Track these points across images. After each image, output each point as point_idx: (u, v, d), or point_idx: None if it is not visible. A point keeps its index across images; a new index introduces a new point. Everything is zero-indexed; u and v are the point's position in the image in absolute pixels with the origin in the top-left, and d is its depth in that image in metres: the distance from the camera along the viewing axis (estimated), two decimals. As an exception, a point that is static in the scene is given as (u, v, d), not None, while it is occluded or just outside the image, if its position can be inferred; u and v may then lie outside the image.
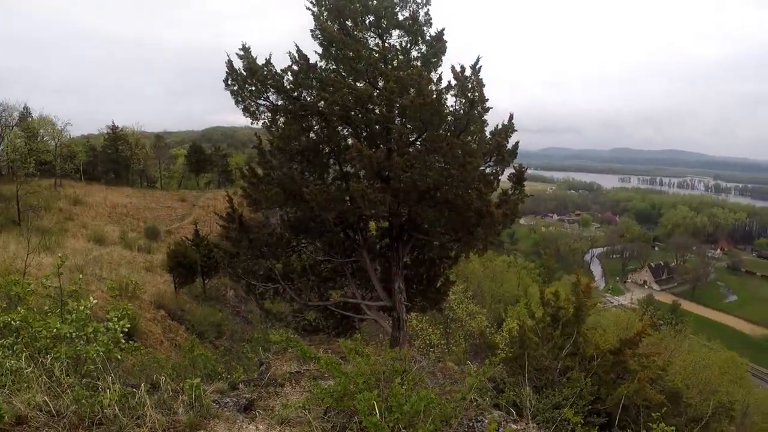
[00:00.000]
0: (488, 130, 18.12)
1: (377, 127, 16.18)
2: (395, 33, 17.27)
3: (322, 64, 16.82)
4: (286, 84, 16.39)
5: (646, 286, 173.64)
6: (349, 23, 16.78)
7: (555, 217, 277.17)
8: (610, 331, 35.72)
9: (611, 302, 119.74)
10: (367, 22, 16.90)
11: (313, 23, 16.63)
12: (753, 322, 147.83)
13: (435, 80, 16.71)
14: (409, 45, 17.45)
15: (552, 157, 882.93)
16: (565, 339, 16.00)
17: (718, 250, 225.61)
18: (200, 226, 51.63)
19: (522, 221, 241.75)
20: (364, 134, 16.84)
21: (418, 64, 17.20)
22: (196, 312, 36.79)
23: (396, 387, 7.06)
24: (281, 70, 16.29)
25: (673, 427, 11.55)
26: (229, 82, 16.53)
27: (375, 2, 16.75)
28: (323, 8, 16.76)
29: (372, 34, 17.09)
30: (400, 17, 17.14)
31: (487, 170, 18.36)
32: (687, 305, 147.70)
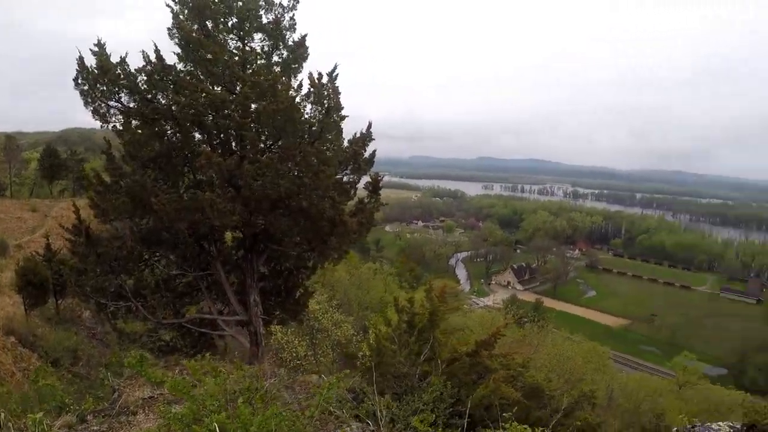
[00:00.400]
0: (347, 138, 17.81)
1: (232, 133, 15.43)
2: (257, 36, 16.61)
3: (180, 65, 15.79)
4: (140, 85, 15.28)
5: (509, 287, 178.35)
6: (210, 24, 15.91)
7: (420, 223, 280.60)
8: (476, 331, 36.33)
9: (477, 303, 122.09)
10: (229, 23, 16.15)
11: (172, 21, 15.65)
12: (611, 314, 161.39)
13: (295, 87, 16.22)
14: (270, 49, 16.81)
15: (419, 165, 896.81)
16: (422, 344, 15.95)
17: (577, 251, 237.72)
18: (52, 239, 48.25)
19: (387, 228, 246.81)
20: (218, 141, 16.00)
21: (278, 69, 16.65)
22: (50, 336, 34.20)
23: (241, 407, 6.61)
24: (135, 69, 15.19)
25: (526, 427, 11.75)
26: (80, 81, 15.26)
27: (239, 3, 16.02)
28: (184, 6, 15.81)
29: (234, 37, 16.34)
30: (264, 20, 16.47)
31: (345, 179, 17.97)
32: (549, 302, 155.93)
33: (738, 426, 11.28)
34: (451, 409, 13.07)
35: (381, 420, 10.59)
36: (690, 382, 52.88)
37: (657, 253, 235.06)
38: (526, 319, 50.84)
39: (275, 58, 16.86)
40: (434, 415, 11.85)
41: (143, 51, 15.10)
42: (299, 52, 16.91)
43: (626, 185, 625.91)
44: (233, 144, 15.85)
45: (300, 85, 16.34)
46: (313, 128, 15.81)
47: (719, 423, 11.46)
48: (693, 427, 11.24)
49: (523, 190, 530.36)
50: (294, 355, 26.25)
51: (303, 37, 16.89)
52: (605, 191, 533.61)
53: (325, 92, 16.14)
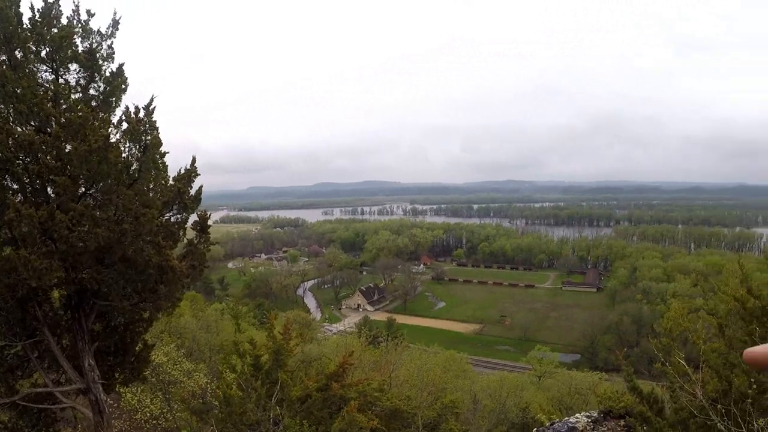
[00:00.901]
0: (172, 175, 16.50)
1: (47, 179, 13.74)
2: (73, 67, 15.03)
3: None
4: None
5: (360, 309, 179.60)
6: (19, 54, 14.15)
7: (263, 256, 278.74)
8: (333, 358, 35.83)
9: (331, 330, 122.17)
10: (42, 53, 14.44)
11: None
12: (463, 321, 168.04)
13: (115, 122, 14.82)
14: (86, 82, 15.27)
15: (256, 196, 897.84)
16: (270, 386, 15.38)
17: (422, 265, 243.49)
18: None
19: (231, 265, 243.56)
20: (31, 189, 14.22)
21: (95, 104, 15.16)
22: None
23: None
24: None
25: None
26: None
27: (54, 30, 14.33)
28: None
29: (47, 68, 14.65)
30: (80, 49, 14.91)
31: (171, 219, 16.64)
32: (402, 319, 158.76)
33: (594, 414, 11.58)
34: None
35: None
36: (548, 372, 55.10)
37: (499, 259, 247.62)
38: (380, 339, 50.89)
39: (92, 92, 15.35)
40: None
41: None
42: (116, 83, 15.47)
43: (463, 198, 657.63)
44: (49, 191, 14.17)
45: (120, 121, 14.96)
46: (132, 168, 14.45)
47: (577, 415, 11.88)
48: (552, 424, 11.30)
49: (363, 212, 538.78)
50: (149, 415, 24.43)
51: (121, 66, 15.50)
52: (443, 206, 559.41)
53: (142, 128, 14.85)
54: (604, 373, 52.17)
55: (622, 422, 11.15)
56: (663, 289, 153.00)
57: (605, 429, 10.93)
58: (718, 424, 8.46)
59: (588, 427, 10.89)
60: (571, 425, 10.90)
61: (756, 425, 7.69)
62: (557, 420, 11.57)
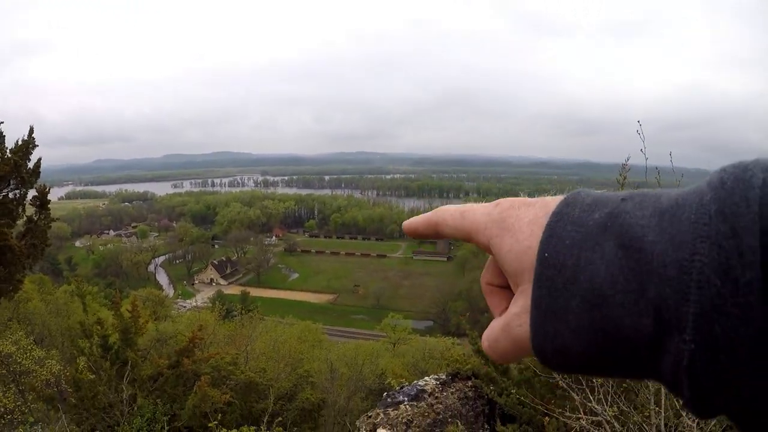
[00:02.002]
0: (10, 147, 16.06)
1: None
2: None
3: None
4: None
5: (213, 284, 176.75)
6: None
7: (112, 233, 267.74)
8: (190, 334, 35.58)
9: (185, 306, 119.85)
10: None
11: None
12: (316, 292, 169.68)
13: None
14: None
15: (103, 170, 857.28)
16: (121, 366, 15.54)
17: (274, 237, 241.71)
18: None
19: (78, 243, 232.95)
20: None
21: None
22: None
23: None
24: None
25: (247, 428, 11.87)
26: None
27: None
28: None
29: None
30: None
31: (9, 195, 16.24)
32: (256, 291, 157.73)
33: (443, 377, 12.02)
34: (168, 427, 12.63)
35: None
36: (402, 339, 56.74)
37: (351, 229, 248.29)
38: (235, 313, 50.75)
39: None
40: None
41: None
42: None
43: (314, 169, 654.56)
44: None
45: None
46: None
47: (426, 378, 12.09)
48: (401, 388, 11.71)
49: (213, 185, 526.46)
50: (2, 409, 23.60)
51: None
52: (295, 177, 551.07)
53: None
54: (456, 338, 53.81)
55: (470, 383, 11.60)
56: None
57: (453, 390, 11.38)
58: (560, 381, 9.06)
59: (437, 389, 11.35)
60: (420, 388, 11.35)
61: (595, 381, 8.16)
62: (406, 383, 12.07)
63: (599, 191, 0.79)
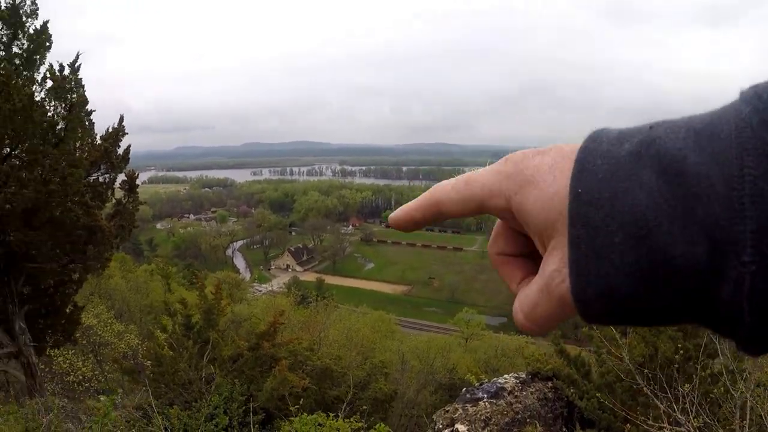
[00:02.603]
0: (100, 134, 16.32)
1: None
2: (-3, 25, 14.62)
3: None
4: None
5: (289, 270, 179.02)
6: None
7: (192, 217, 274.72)
8: (263, 318, 35.94)
9: (260, 290, 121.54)
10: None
11: None
12: (392, 282, 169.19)
13: (40, 80, 14.55)
14: (9, 40, 14.87)
15: (185, 156, 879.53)
16: (202, 345, 15.43)
17: (351, 226, 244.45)
18: None
19: (159, 226, 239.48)
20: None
21: (18, 62, 14.82)
22: None
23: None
24: None
25: (317, 413, 11.69)
26: None
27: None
28: None
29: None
30: (3, 6, 14.51)
31: (99, 179, 16.49)
32: (331, 279, 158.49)
33: (523, 375, 11.73)
34: (244, 407, 12.59)
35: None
36: (475, 334, 55.75)
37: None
38: (310, 299, 51.10)
39: (15, 50, 14.96)
40: (227, 417, 11.39)
41: None
42: (40, 40, 15.08)
43: (392, 159, 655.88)
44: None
45: (45, 79, 14.68)
46: (57, 127, 14.24)
47: (505, 376, 11.94)
48: (481, 384, 11.49)
49: (292, 173, 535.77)
50: (81, 377, 24.27)
51: (45, 24, 15.12)
52: (372, 167, 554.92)
53: (68, 86, 14.61)
54: (529, 336, 53.12)
55: (549, 384, 11.32)
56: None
57: (533, 390, 11.12)
58: (644, 388, 8.62)
59: (516, 388, 11.10)
60: (500, 385, 11.12)
61: (681, 390, 7.77)
62: (486, 380, 11.83)
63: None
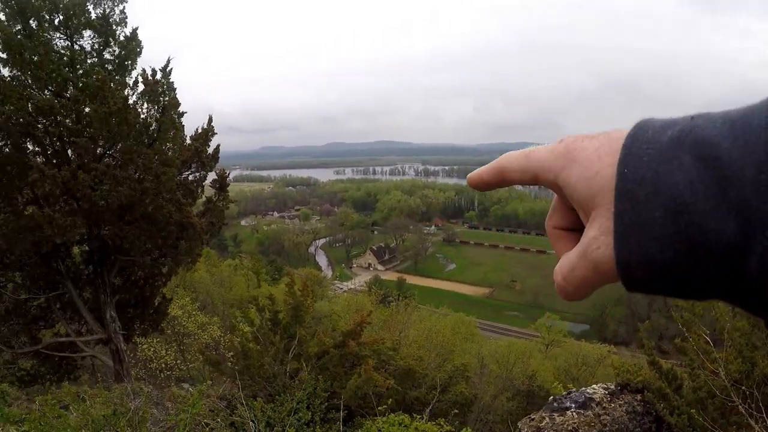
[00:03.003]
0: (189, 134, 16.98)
1: (67, 141, 14.19)
2: (87, 33, 15.37)
3: (5, 71, 14.33)
4: None
5: (371, 268, 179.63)
6: (33, 23, 14.53)
7: (276, 214, 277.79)
8: (344, 315, 36.31)
9: (341, 288, 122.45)
10: (55, 21, 14.79)
11: None
12: (472, 284, 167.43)
13: (131, 84, 15.26)
14: (101, 47, 15.63)
15: (269, 156, 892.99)
16: (288, 341, 15.66)
17: (433, 227, 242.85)
18: None
19: (243, 222, 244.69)
20: (52, 150, 14.68)
21: (110, 68, 15.55)
22: None
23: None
24: None
25: (403, 416, 12.05)
26: None
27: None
28: (4, 6, 14.10)
29: (61, 35, 15.03)
30: (93, 16, 15.26)
31: (190, 178, 17.13)
32: (412, 279, 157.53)
33: (612, 387, 11.43)
34: (326, 404, 12.85)
35: (256, 425, 10.24)
36: (556, 341, 55.34)
37: (511, 222, 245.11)
38: (390, 298, 51.20)
39: (107, 56, 15.71)
40: (310, 412, 11.62)
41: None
42: (131, 47, 15.79)
43: (475, 159, 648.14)
44: (69, 153, 14.62)
45: (136, 83, 15.39)
46: (151, 128, 14.92)
47: (594, 386, 11.48)
48: (569, 393, 11.26)
49: (374, 172, 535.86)
50: (164, 365, 25.14)
51: (134, 31, 15.82)
52: (455, 167, 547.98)
53: (160, 89, 15.27)
54: (612, 345, 52.01)
55: (639, 397, 11.03)
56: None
57: (621, 402, 10.86)
58: (740, 406, 8.39)
59: (605, 399, 10.88)
60: (588, 395, 10.90)
61: None
62: (574, 389, 11.64)
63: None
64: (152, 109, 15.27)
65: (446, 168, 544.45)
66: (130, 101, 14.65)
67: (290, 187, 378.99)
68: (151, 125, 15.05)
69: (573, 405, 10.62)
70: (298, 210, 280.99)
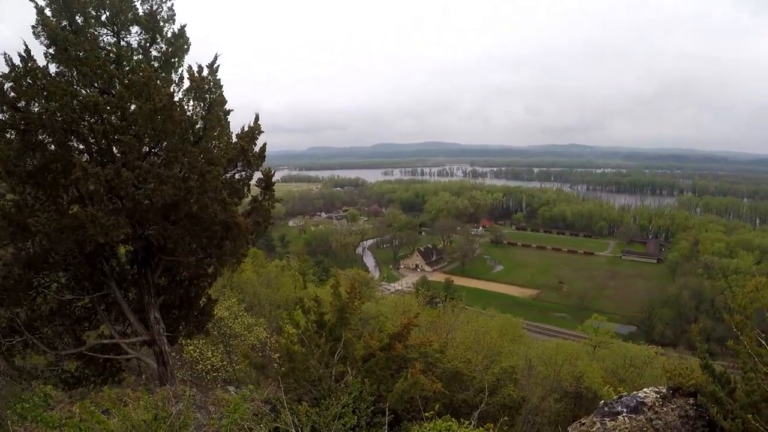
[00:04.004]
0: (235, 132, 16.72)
1: (112, 138, 13.93)
2: (134, 30, 15.15)
3: (52, 67, 14.08)
4: (7, 93, 13.49)
5: (418, 270, 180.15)
6: (79, 19, 14.29)
7: (323, 215, 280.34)
8: (390, 317, 36.17)
9: (388, 289, 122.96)
10: (102, 17, 14.53)
11: (36, 18, 13.87)
12: (520, 286, 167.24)
13: (177, 81, 15.03)
14: (148, 44, 15.40)
15: (317, 156, 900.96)
16: (334, 344, 15.41)
17: (481, 228, 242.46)
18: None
19: (291, 223, 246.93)
20: (97, 148, 14.43)
21: (157, 65, 15.33)
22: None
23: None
24: (1, 75, 13.35)
25: (451, 422, 11.82)
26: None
27: (114, -5, 14.48)
28: (50, 1, 13.91)
29: (107, 32, 14.80)
30: (140, 12, 15.03)
31: (236, 176, 16.85)
32: (459, 280, 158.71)
33: (663, 390, 11.16)
34: (372, 408, 12.52)
35: (301, 430, 9.95)
36: (604, 342, 54.03)
37: (558, 224, 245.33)
38: (438, 300, 50.94)
39: (154, 53, 15.48)
40: (356, 417, 11.33)
41: (5, 54, 13.38)
42: (178, 44, 15.50)
43: (523, 161, 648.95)
44: (114, 150, 14.40)
45: (181, 79, 15.16)
46: (196, 126, 14.67)
47: (645, 390, 11.34)
48: (620, 398, 10.99)
49: (422, 173, 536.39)
50: (210, 366, 25.07)
51: (182, 28, 15.54)
52: (503, 168, 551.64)
53: (206, 86, 15.02)
54: (660, 347, 51.20)
55: (691, 400, 10.72)
56: (725, 264, 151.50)
57: (674, 406, 10.58)
58: None
59: (657, 403, 10.59)
60: (639, 400, 10.65)
61: None
62: (625, 394, 11.32)
63: None
64: (198, 107, 15.04)
65: (494, 169, 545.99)
66: (176, 98, 14.43)
67: (338, 188, 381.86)
68: (197, 123, 14.81)
69: (625, 410, 10.50)
70: (345, 210, 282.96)
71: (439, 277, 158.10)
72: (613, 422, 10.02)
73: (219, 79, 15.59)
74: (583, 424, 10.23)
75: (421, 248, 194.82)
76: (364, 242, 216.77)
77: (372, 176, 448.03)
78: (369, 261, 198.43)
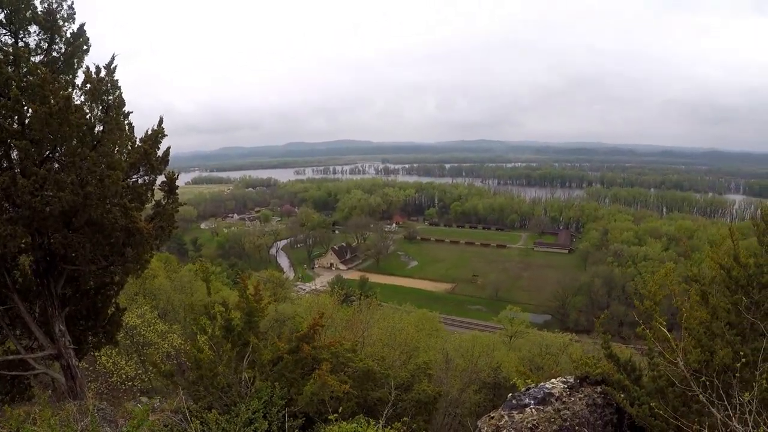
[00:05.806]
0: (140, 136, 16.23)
1: (10, 144, 13.31)
2: (33, 29, 14.53)
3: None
4: None
5: (333, 268, 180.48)
6: (-24, 19, 13.64)
7: (236, 216, 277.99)
8: (306, 317, 35.94)
9: (304, 289, 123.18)
10: (0, 17, 13.95)
11: None
12: (435, 280, 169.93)
13: (79, 84, 14.46)
14: (48, 44, 14.79)
15: (229, 156, 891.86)
16: (242, 348, 15.21)
17: (394, 225, 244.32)
18: None
19: (203, 225, 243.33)
20: (-5, 155, 13.81)
21: (57, 66, 14.72)
22: None
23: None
24: None
25: (359, 421, 12.04)
26: None
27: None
28: None
29: (5, 32, 14.16)
30: (39, 10, 14.41)
31: (138, 181, 16.38)
32: (374, 278, 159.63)
33: (570, 380, 11.32)
34: (284, 412, 12.36)
35: None
36: (519, 332, 55.20)
37: (471, 218, 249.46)
38: (353, 298, 51.05)
39: (54, 54, 14.87)
40: (267, 422, 11.19)
41: None
42: (78, 43, 14.90)
43: (435, 157, 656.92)
44: (13, 156, 13.78)
45: (84, 82, 14.58)
46: (95, 130, 14.15)
47: (552, 381, 11.44)
48: (528, 390, 11.06)
49: (335, 172, 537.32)
50: (124, 377, 24.38)
51: (81, 27, 14.93)
52: (415, 165, 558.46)
53: (104, 88, 14.49)
54: (574, 334, 52.60)
55: (599, 389, 10.86)
56: (634, 252, 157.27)
57: (581, 395, 10.68)
58: (700, 395, 8.20)
59: (564, 393, 10.68)
60: (547, 391, 10.72)
61: (739, 399, 7.35)
62: (533, 385, 11.38)
63: None
64: (96, 109, 14.49)
65: (406, 166, 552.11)
66: (77, 101, 13.88)
67: (250, 189, 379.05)
68: (96, 126, 14.27)
69: (532, 401, 10.57)
70: (258, 211, 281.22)
71: (354, 275, 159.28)
72: (521, 415, 10.10)
73: (117, 80, 15.04)
74: (492, 417, 10.28)
75: (335, 247, 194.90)
76: (278, 243, 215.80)
77: (284, 176, 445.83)
78: (283, 261, 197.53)
